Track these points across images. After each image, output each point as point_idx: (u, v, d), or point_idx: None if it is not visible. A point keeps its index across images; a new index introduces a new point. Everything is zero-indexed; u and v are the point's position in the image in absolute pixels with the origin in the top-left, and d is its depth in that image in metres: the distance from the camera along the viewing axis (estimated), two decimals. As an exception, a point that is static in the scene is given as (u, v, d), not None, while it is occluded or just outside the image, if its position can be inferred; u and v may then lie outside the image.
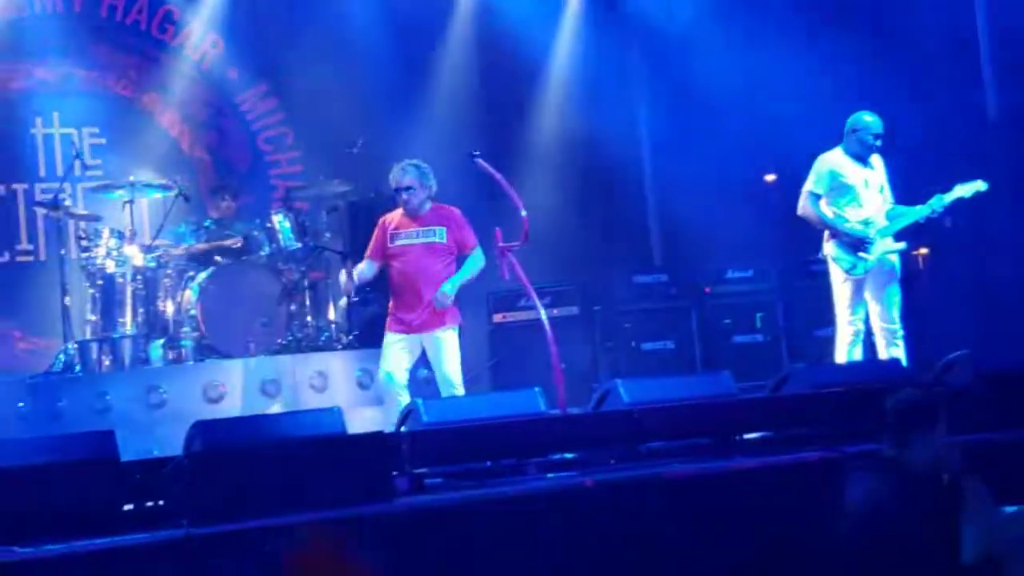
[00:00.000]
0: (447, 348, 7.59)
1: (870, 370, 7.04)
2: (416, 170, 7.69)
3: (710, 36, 12.09)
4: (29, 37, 11.47)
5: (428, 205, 7.73)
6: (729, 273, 11.07)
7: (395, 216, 7.81)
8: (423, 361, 9.35)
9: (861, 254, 8.04)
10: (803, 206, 8.23)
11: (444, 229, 7.69)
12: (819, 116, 9.28)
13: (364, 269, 7.87)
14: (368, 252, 7.89)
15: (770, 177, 11.78)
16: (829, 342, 8.46)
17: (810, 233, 8.48)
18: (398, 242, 7.69)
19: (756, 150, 11.53)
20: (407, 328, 7.61)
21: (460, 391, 7.51)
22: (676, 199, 12.36)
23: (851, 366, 7.59)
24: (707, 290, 10.99)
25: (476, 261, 7.75)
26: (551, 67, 12.67)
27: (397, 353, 7.61)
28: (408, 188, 7.63)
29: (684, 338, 10.76)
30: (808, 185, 8.22)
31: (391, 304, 7.78)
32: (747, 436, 5.93)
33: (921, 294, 10.15)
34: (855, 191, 8.14)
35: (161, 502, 4.78)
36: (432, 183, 7.75)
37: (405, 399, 7.30)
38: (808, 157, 8.44)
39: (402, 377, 7.62)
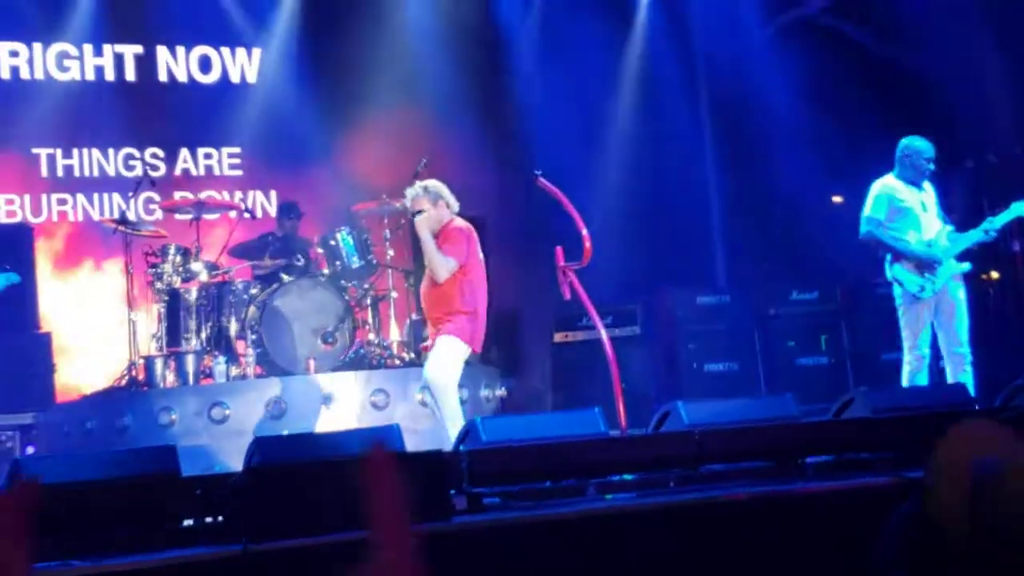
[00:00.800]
0: (433, 352, 7.34)
1: (936, 395, 6.93)
2: (425, 192, 7.44)
3: (776, 56, 12.07)
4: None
5: (442, 223, 7.43)
6: (794, 295, 10.98)
7: None
8: (484, 381, 9.36)
9: (927, 275, 7.94)
10: (865, 232, 8.16)
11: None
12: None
13: None
14: None
15: (837, 199, 11.69)
16: (896, 366, 8.36)
17: (876, 255, 8.39)
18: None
19: (823, 171, 11.46)
20: (428, 346, 7.49)
21: (441, 394, 7.22)
22: (741, 220, 12.32)
23: (916, 390, 7.49)
24: (771, 311, 10.89)
25: (443, 257, 7.31)
26: (617, 88, 12.69)
27: None
28: (418, 212, 7.42)
29: (747, 360, 10.68)
30: (866, 211, 8.15)
31: None
32: (809, 460, 5.85)
33: (991, 318, 10.01)
34: (914, 214, 8.06)
35: (220, 518, 4.79)
36: (445, 200, 7.46)
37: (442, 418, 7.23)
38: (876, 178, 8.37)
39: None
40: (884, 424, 5.89)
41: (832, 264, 10.85)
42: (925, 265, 7.95)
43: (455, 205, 7.54)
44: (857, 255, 9.43)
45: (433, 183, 7.55)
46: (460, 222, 7.54)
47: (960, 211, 9.40)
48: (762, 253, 11.82)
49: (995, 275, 10.55)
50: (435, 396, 7.26)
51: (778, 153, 11.82)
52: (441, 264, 7.31)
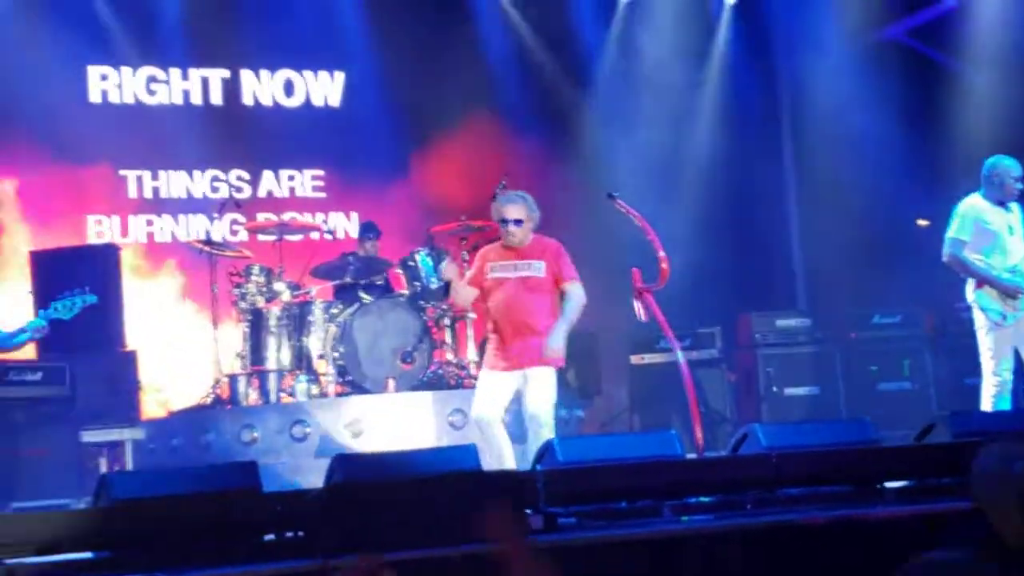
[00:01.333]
0: (541, 384, 7.08)
1: (1019, 419, 6.83)
2: (524, 201, 7.25)
3: (860, 77, 12.00)
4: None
5: (530, 237, 7.28)
6: (876, 318, 10.89)
7: (494, 248, 7.39)
8: (562, 402, 9.38)
9: (1009, 302, 7.82)
10: (948, 253, 8.01)
11: (542, 263, 7.19)
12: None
13: (467, 293, 7.39)
14: (468, 280, 7.45)
15: (923, 222, 11.56)
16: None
17: (960, 277, 8.28)
18: (494, 275, 7.22)
19: (908, 193, 11.36)
20: (506, 364, 7.14)
21: (549, 432, 6.94)
22: (822, 241, 12.23)
23: (999, 415, 7.37)
24: (853, 335, 10.80)
25: (574, 299, 7.22)
26: (697, 107, 12.68)
27: (492, 390, 7.16)
28: (517, 221, 7.18)
29: (828, 384, 10.59)
30: (952, 231, 8.00)
31: (490, 339, 7.32)
32: (889, 484, 5.80)
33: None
34: (1000, 237, 7.91)
35: (301, 533, 4.85)
36: (537, 215, 7.29)
37: (503, 438, 7.04)
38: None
39: (498, 415, 7.13)
40: (966, 449, 5.81)
41: (916, 287, 10.73)
42: (1009, 293, 7.82)
43: (538, 220, 7.38)
44: (941, 278, 9.34)
45: (528, 194, 7.39)
46: (547, 238, 7.41)
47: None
48: (844, 276, 11.72)
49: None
50: (540, 431, 6.97)
51: (862, 174, 11.74)
52: (580, 295, 7.23)
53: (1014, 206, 8.06)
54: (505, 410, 7.20)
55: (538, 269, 7.22)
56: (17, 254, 10.92)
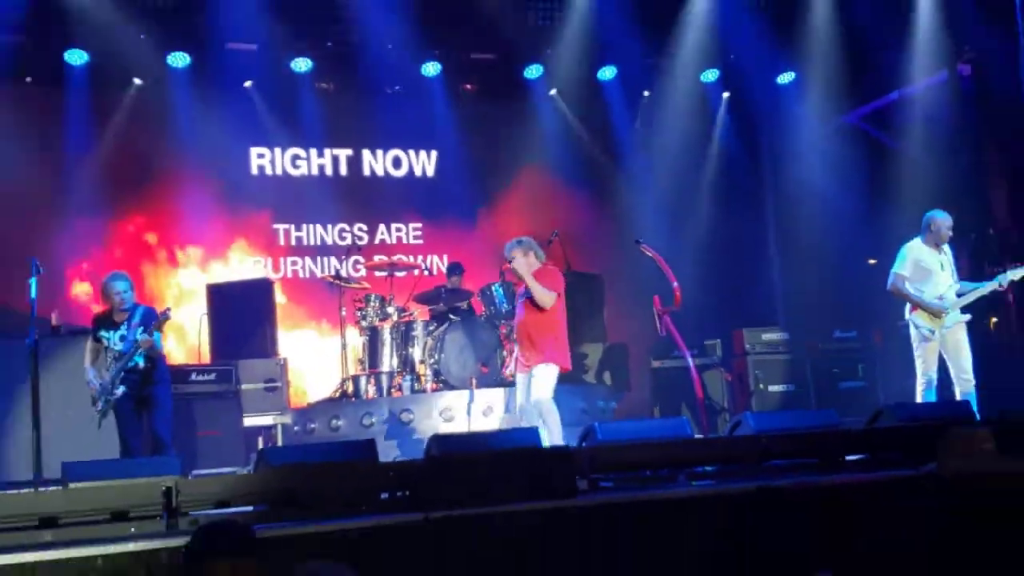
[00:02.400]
0: (537, 378, 7.13)
1: (945, 408, 6.76)
2: (519, 244, 7.25)
3: (827, 150, 11.95)
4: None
5: (534, 267, 7.23)
6: (837, 333, 10.81)
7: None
8: (600, 396, 9.36)
9: (936, 321, 7.76)
10: (892, 285, 7.98)
11: None
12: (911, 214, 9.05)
13: None
14: None
15: (872, 261, 11.48)
16: (914, 388, 8.15)
17: (899, 302, 8.22)
18: (515, 301, 7.37)
19: (862, 239, 11.29)
20: (523, 367, 7.30)
21: (549, 417, 6.95)
22: (797, 275, 12.17)
23: (930, 405, 7.30)
24: (819, 346, 10.72)
25: (545, 289, 7.13)
26: (701, 176, 12.65)
27: (521, 386, 7.33)
28: (511, 260, 7.25)
29: (800, 383, 10.52)
30: (896, 267, 7.98)
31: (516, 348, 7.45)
32: (849, 457, 5.75)
33: (991, 353, 9.69)
34: (933, 273, 7.86)
35: (407, 493, 4.89)
36: (534, 251, 7.22)
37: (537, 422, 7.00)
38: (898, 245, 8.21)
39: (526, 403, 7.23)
40: (907, 430, 5.78)
41: (867, 310, 10.64)
42: (935, 313, 7.76)
43: (542, 256, 7.37)
44: (886, 303, 9.26)
45: (527, 238, 7.39)
46: (551, 265, 7.43)
47: (967, 271, 9.17)
48: (813, 301, 11.65)
49: (994, 320, 10.22)
50: (544, 413, 7.00)
51: (828, 226, 11.69)
52: (545, 294, 7.14)
53: (946, 248, 8.00)
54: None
55: (527, 292, 7.23)
56: (196, 285, 11.11)
